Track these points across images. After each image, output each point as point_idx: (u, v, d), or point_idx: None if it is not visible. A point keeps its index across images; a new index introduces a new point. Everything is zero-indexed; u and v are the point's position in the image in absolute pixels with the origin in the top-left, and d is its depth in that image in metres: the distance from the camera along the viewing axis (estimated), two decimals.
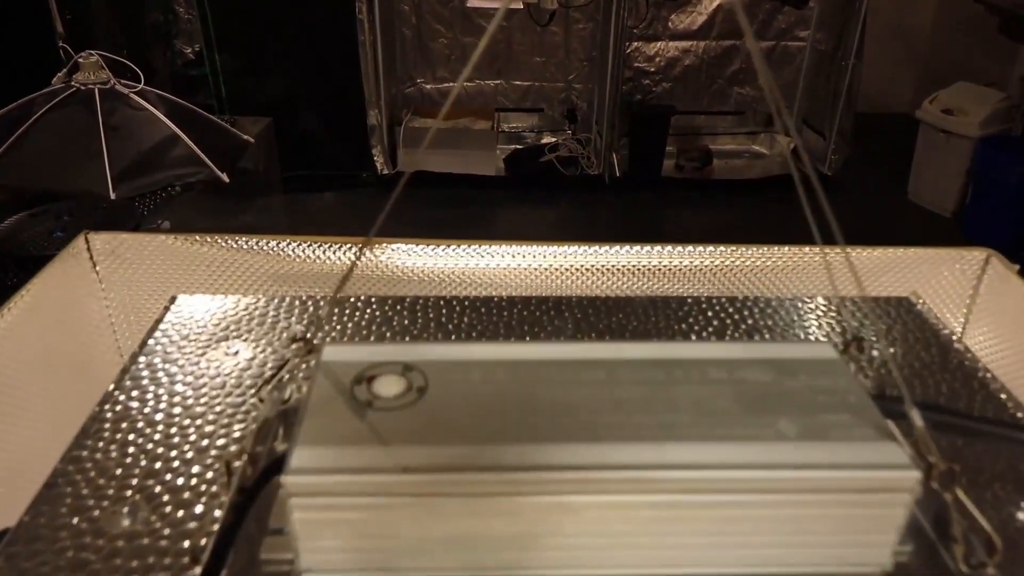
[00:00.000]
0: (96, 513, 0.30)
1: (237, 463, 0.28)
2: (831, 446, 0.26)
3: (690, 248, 0.55)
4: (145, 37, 2.97)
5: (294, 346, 0.27)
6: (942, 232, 2.61)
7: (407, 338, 0.42)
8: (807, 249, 0.53)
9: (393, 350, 0.30)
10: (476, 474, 0.25)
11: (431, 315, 0.43)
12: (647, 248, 0.53)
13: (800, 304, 0.44)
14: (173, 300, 0.42)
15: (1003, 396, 0.37)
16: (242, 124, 2.40)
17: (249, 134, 2.22)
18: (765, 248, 0.53)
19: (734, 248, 0.54)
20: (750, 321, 0.42)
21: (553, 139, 3.04)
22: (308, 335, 0.28)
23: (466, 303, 0.43)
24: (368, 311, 0.43)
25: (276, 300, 0.43)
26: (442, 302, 0.44)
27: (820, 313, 0.44)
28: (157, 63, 2.98)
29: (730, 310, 0.43)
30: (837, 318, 0.43)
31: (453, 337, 0.42)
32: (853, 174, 2.90)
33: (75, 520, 0.30)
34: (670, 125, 2.90)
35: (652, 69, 3.00)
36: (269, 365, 0.39)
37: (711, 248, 0.54)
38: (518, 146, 3.06)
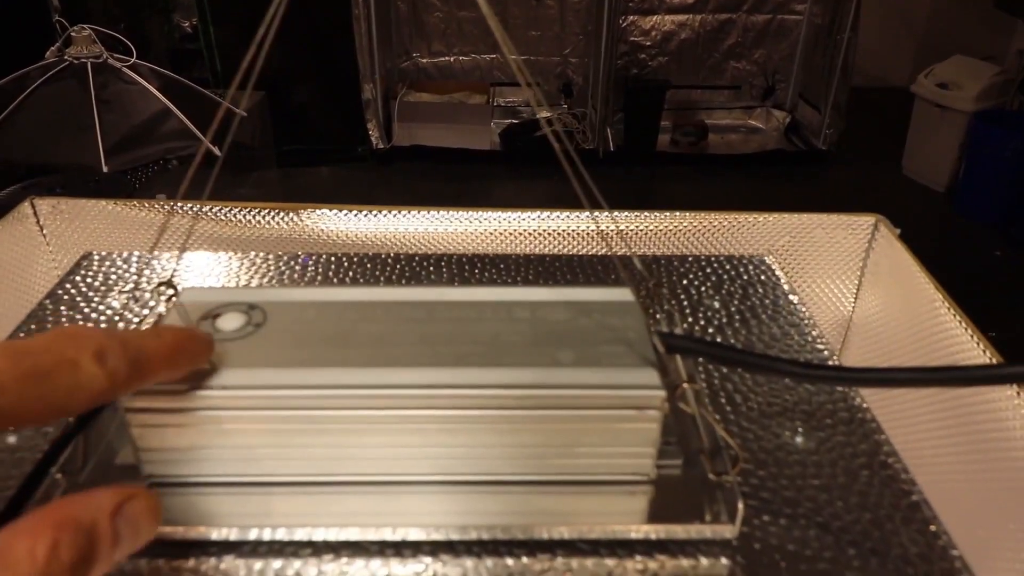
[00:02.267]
0: None
1: None
2: (598, 371, 0.30)
3: (621, 213, 0.57)
4: (142, 10, 2.98)
5: (161, 290, 0.32)
6: (934, 207, 2.62)
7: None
8: (692, 215, 0.57)
9: (244, 292, 0.34)
10: (284, 391, 0.30)
11: (320, 270, 0.48)
12: (564, 214, 0.56)
13: (660, 261, 0.48)
14: (86, 256, 0.46)
15: (819, 346, 0.43)
16: (235, 98, 2.42)
17: (243, 108, 2.24)
18: (665, 213, 0.56)
19: (641, 213, 0.57)
20: (615, 277, 0.46)
21: (548, 114, 3.05)
22: (173, 280, 0.31)
23: (355, 259, 0.47)
24: (265, 265, 0.48)
25: (192, 255, 0.48)
26: (332, 258, 0.47)
27: (673, 267, 0.48)
28: (155, 36, 2.99)
29: (599, 267, 0.47)
30: (681, 271, 0.48)
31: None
32: (848, 148, 2.91)
33: None
34: (665, 99, 2.90)
35: (648, 43, 2.99)
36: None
37: (627, 213, 0.57)
38: (513, 120, 3.06)
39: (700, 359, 0.38)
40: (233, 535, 0.30)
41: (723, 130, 3.12)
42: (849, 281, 0.56)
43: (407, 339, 0.32)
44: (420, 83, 3.10)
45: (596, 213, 0.46)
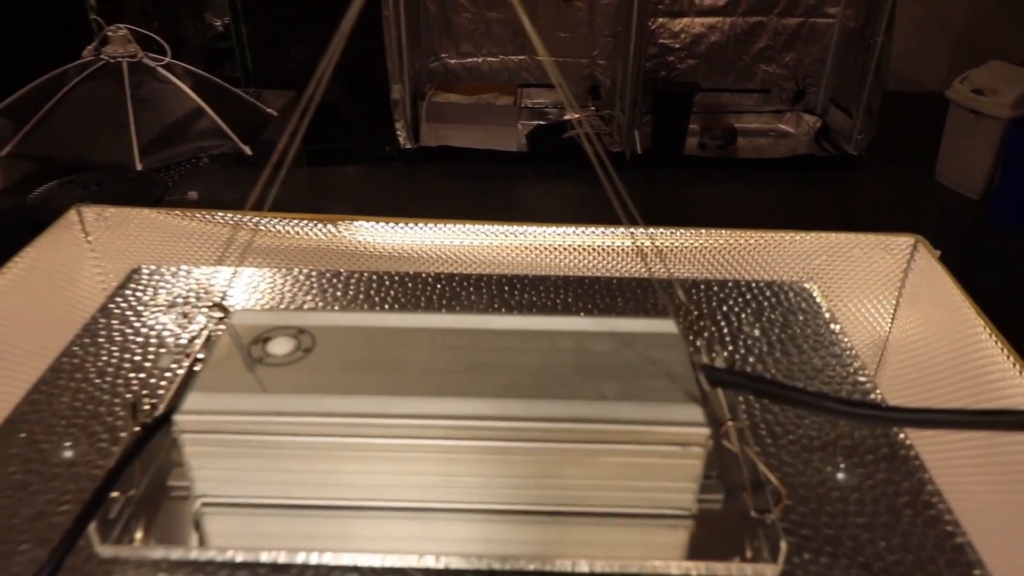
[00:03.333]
0: (44, 446, 0.37)
1: (146, 405, 0.34)
2: (642, 406, 0.31)
3: (657, 230, 0.57)
4: (176, 9, 3.01)
5: (212, 312, 0.32)
6: (968, 215, 2.57)
7: (336, 307, 0.47)
8: (717, 232, 0.56)
9: (293, 316, 0.35)
10: (333, 419, 0.31)
11: (362, 288, 0.48)
12: (600, 229, 0.56)
13: (699, 286, 0.48)
14: (136, 270, 0.47)
15: (861, 378, 0.42)
16: (266, 97, 2.43)
17: (273, 107, 2.26)
18: (701, 231, 0.55)
19: (677, 230, 0.56)
20: (653, 301, 0.46)
21: (575, 115, 3.04)
22: (223, 302, 0.32)
23: (395, 278, 0.47)
24: (308, 282, 0.48)
25: (226, 271, 0.49)
26: (375, 277, 0.48)
27: (712, 292, 0.47)
28: (187, 35, 3.02)
29: (638, 291, 0.47)
30: (720, 297, 0.47)
31: (378, 308, 0.48)
32: (880, 154, 2.86)
33: (25, 451, 0.37)
34: (694, 102, 2.88)
35: (677, 45, 2.97)
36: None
37: (663, 230, 0.57)
38: (540, 122, 3.06)
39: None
40: (282, 558, 0.31)
41: (752, 134, 3.09)
42: (887, 301, 0.56)
43: (452, 367, 0.32)
44: (448, 84, 3.10)
45: (633, 229, 0.46)
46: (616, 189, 0.30)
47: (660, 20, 2.92)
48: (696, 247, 0.56)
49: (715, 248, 0.56)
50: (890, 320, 0.56)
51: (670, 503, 0.32)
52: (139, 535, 0.32)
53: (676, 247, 0.56)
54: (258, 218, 0.53)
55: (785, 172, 2.86)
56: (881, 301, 0.56)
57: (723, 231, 0.54)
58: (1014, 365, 0.43)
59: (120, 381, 0.42)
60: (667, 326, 0.35)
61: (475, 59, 3.07)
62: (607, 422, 0.30)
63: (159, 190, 1.76)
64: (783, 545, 0.30)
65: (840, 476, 0.35)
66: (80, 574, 0.31)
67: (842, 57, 2.95)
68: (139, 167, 1.72)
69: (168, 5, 2.94)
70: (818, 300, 0.47)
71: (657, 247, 0.54)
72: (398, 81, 2.72)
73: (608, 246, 0.56)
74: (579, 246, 0.55)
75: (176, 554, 0.31)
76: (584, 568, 0.30)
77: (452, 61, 3.07)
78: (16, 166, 1.72)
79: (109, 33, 1.88)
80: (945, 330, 0.49)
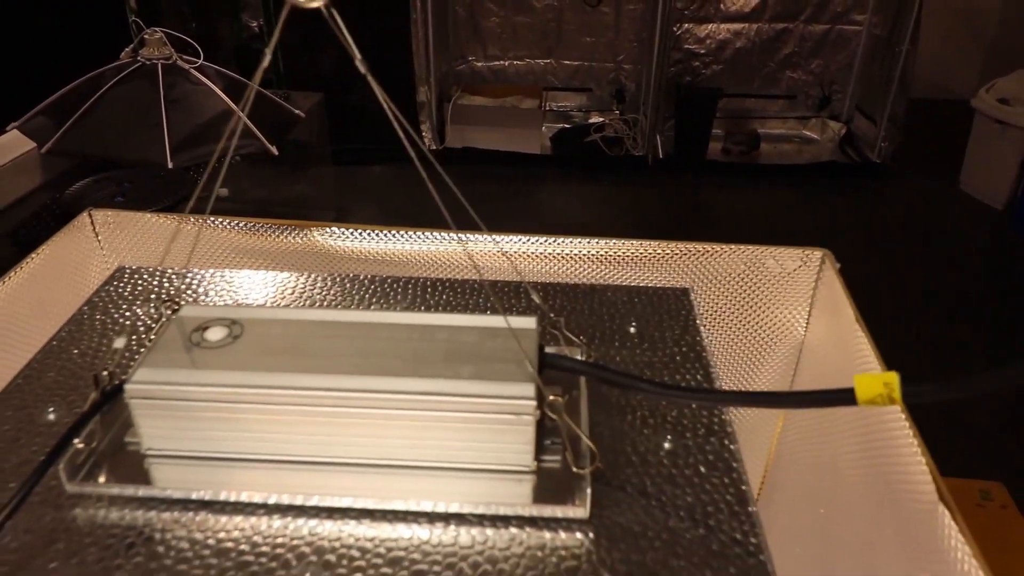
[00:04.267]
0: (32, 411, 0.47)
1: (105, 374, 0.44)
2: (489, 384, 0.40)
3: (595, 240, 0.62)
4: (212, 10, 3.10)
5: (165, 307, 0.40)
6: (991, 224, 2.56)
7: (279, 304, 0.58)
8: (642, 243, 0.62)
9: (233, 310, 0.42)
10: (249, 389, 0.40)
11: (306, 289, 0.58)
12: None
13: (596, 290, 0.57)
14: (120, 269, 0.55)
15: (708, 367, 0.51)
16: (295, 98, 2.51)
17: (301, 108, 2.33)
18: (619, 241, 0.60)
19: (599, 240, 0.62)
20: (555, 302, 0.55)
21: (600, 119, 3.07)
22: (176, 298, 0.40)
23: (336, 279, 0.54)
24: (253, 281, 0.58)
25: (203, 272, 0.56)
26: (319, 279, 0.55)
27: (605, 297, 0.56)
28: (223, 35, 3.11)
29: (522, 294, 0.55)
30: (609, 300, 0.56)
31: (316, 304, 0.58)
32: (904, 162, 2.86)
33: (17, 414, 0.47)
34: (717, 107, 2.90)
35: (702, 51, 2.99)
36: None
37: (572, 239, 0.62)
38: (565, 125, 3.10)
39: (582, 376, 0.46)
40: (207, 496, 0.41)
41: (776, 140, 3.10)
42: (802, 311, 0.61)
43: (347, 352, 0.42)
44: (474, 86, 3.15)
45: (548, 238, 0.52)
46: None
47: (686, 25, 2.94)
48: (631, 256, 0.61)
49: (647, 257, 0.62)
50: (804, 329, 0.60)
51: (513, 461, 0.41)
52: (101, 479, 0.42)
53: (607, 255, 0.61)
54: (245, 222, 0.59)
55: (808, 178, 2.86)
56: (798, 311, 0.60)
57: (662, 242, 0.59)
58: (874, 355, 0.48)
59: (97, 361, 0.52)
60: (528, 323, 0.43)
61: (501, 62, 3.12)
62: (460, 396, 0.39)
63: (187, 188, 1.84)
64: (588, 492, 0.39)
65: (666, 445, 0.44)
66: (53, 506, 0.41)
67: (868, 64, 2.95)
68: (170, 165, 1.80)
69: (204, 6, 3.03)
70: (692, 302, 0.53)
71: (579, 256, 0.59)
72: (425, 83, 2.78)
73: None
74: (506, 252, 0.61)
75: (128, 492, 0.41)
76: (442, 508, 0.40)
77: (479, 64, 3.12)
78: (54, 162, 1.81)
79: (146, 36, 1.97)
80: (839, 338, 0.54)
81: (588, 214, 2.69)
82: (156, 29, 2.04)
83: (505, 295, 0.56)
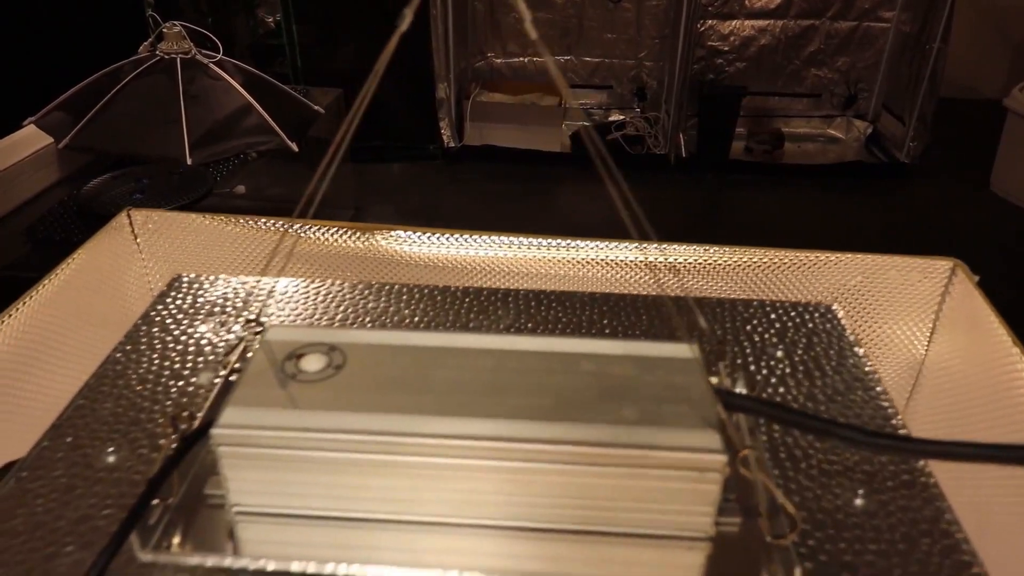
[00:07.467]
0: (88, 451, 0.39)
1: (184, 413, 0.37)
2: (660, 431, 0.31)
3: (689, 247, 0.57)
4: (229, 6, 3.07)
5: (247, 327, 0.33)
6: (1020, 226, 2.49)
7: (367, 320, 0.49)
8: (758, 251, 0.56)
9: (325, 333, 0.36)
10: (362, 436, 0.32)
11: (392, 301, 0.49)
12: (632, 245, 0.56)
13: (724, 305, 0.47)
14: (177, 278, 0.49)
15: (883, 403, 0.42)
16: (314, 95, 2.47)
17: (320, 105, 2.29)
18: (729, 248, 0.55)
19: (708, 248, 0.56)
20: (682, 319, 0.46)
21: (621, 117, 3.02)
22: (259, 317, 0.33)
23: (425, 291, 0.48)
24: (341, 294, 0.49)
25: (266, 281, 0.50)
26: (404, 289, 0.48)
27: (737, 312, 0.47)
28: (240, 31, 3.08)
29: (654, 310, 0.47)
30: (745, 316, 0.47)
31: (408, 322, 0.49)
32: (932, 162, 2.79)
33: (71, 455, 0.39)
34: (741, 106, 2.84)
35: (726, 48, 2.94)
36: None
37: (687, 247, 0.56)
38: (585, 123, 3.05)
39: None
40: (311, 568, 0.32)
41: (800, 139, 3.04)
42: (923, 326, 0.55)
43: (477, 388, 0.33)
44: (493, 83, 3.11)
45: (651, 245, 0.46)
46: (630, 206, 0.30)
47: (709, 22, 2.89)
48: (724, 264, 0.56)
49: (745, 266, 0.56)
50: (926, 345, 0.55)
51: (688, 526, 0.32)
52: (176, 541, 0.34)
53: (699, 263, 0.55)
54: (299, 225, 0.55)
55: (833, 179, 2.80)
56: (918, 326, 0.55)
57: (756, 249, 0.54)
58: None
59: (160, 389, 0.44)
60: (685, 351, 0.36)
61: (521, 59, 3.07)
62: (626, 447, 0.31)
63: (207, 185, 1.81)
64: (798, 572, 0.30)
65: (858, 502, 0.36)
66: None
67: (896, 62, 2.89)
68: (189, 161, 1.76)
69: (221, 2, 3.00)
70: (842, 322, 0.46)
71: (674, 264, 0.54)
72: (444, 80, 2.74)
73: (630, 261, 0.56)
74: (610, 260, 0.55)
75: (211, 561, 0.33)
76: None
77: (498, 61, 3.08)
78: (72, 158, 1.78)
79: (165, 30, 1.93)
80: (981, 358, 0.48)
81: (608, 212, 2.64)
82: (175, 23, 2.00)
83: (620, 309, 0.47)
